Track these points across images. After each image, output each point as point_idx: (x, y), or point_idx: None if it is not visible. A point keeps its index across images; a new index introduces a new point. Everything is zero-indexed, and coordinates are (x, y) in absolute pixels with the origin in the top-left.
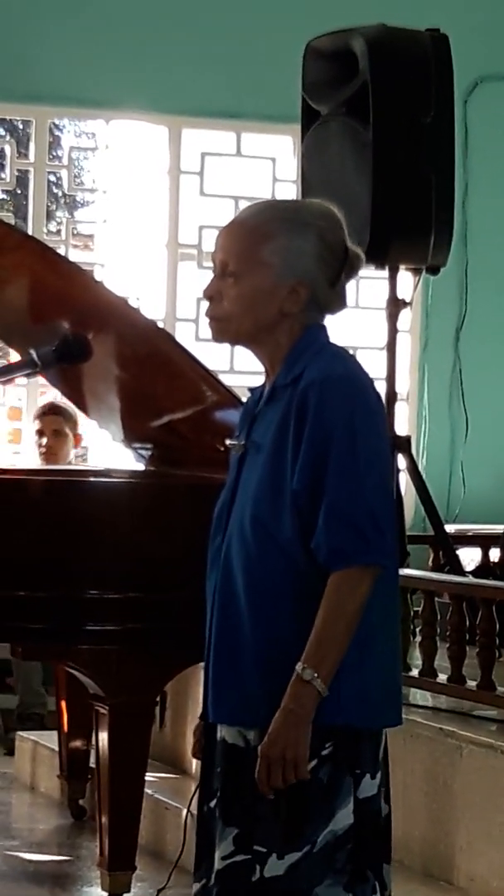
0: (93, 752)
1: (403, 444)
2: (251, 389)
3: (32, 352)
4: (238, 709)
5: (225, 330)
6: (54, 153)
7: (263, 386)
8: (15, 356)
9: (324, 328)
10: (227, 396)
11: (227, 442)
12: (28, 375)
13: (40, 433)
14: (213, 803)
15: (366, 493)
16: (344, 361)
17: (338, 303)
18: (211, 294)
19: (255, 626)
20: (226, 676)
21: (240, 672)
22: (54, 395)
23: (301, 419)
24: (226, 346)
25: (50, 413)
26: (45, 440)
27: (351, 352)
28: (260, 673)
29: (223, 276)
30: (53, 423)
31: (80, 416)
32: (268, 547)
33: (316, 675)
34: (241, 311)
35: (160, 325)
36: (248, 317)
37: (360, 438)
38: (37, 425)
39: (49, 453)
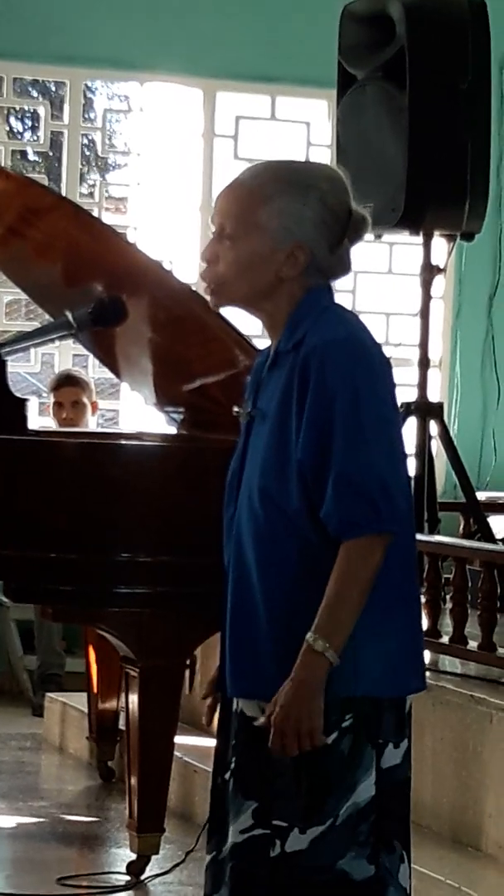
0: (122, 714)
1: (435, 411)
2: (259, 351)
3: (68, 314)
4: (255, 683)
5: (220, 294)
6: (88, 115)
7: (269, 348)
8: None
9: (328, 290)
10: None
11: (234, 409)
12: (63, 338)
13: (59, 405)
14: (227, 775)
15: (374, 461)
16: (347, 324)
17: (340, 268)
18: (209, 257)
19: (267, 600)
20: (242, 650)
21: (255, 646)
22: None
23: (303, 387)
24: None
25: (66, 384)
26: (64, 413)
27: (383, 318)
28: (275, 647)
29: (220, 239)
30: (71, 395)
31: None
32: (276, 518)
33: (328, 644)
34: (236, 275)
35: (193, 288)
36: (244, 281)
37: (364, 404)
38: (53, 398)
39: (70, 425)
